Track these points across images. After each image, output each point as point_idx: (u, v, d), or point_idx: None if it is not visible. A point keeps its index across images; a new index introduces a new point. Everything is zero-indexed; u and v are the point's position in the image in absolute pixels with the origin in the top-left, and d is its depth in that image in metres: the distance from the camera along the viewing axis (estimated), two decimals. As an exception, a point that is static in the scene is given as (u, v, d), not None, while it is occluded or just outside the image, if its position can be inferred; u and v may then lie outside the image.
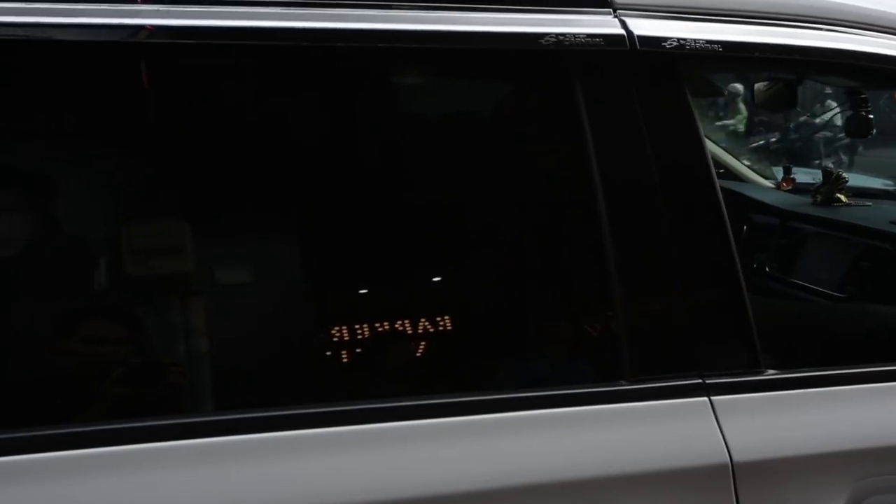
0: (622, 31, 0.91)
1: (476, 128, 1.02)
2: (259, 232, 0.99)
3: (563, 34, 0.89)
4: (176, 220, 0.98)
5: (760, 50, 0.97)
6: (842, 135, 4.57)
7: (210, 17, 0.77)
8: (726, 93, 5.26)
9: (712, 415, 0.89)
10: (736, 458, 0.88)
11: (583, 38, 0.89)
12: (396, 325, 0.93)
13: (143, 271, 0.93)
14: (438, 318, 0.93)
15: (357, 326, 0.91)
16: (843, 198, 2.12)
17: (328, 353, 0.95)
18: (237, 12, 0.79)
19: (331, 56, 0.89)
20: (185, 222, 0.96)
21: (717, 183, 0.95)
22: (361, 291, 0.99)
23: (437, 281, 1.00)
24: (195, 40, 0.77)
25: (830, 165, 1.85)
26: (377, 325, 0.92)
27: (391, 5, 0.86)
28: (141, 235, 0.96)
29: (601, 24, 0.91)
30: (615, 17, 0.92)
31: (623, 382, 0.89)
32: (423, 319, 0.93)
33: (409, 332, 0.93)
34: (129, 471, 0.73)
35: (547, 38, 0.88)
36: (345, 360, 0.92)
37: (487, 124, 1.01)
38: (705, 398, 0.89)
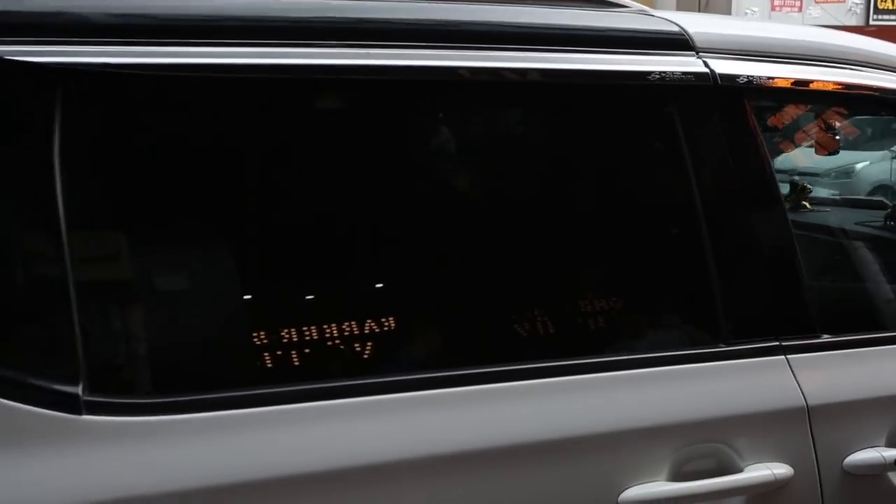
0: (707, 70, 1.12)
1: (599, 145, 1.21)
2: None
3: (664, 72, 1.09)
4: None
5: (804, 84, 1.20)
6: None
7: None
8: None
9: (789, 369, 1.09)
10: (810, 402, 1.08)
11: (679, 74, 1.10)
12: (556, 302, 1.12)
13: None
14: (607, 299, 1.13)
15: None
16: (807, 205, 2.40)
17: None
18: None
19: (501, 90, 1.09)
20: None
21: (779, 188, 1.17)
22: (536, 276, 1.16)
23: (591, 271, 1.18)
24: None
25: (797, 178, 2.12)
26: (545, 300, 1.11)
27: (534, 48, 1.04)
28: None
29: (690, 64, 1.12)
30: (698, 57, 1.13)
31: (722, 345, 1.08)
32: (579, 300, 1.13)
33: (574, 309, 1.12)
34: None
35: (653, 74, 1.09)
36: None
37: (608, 143, 1.21)
38: (783, 356, 1.09)
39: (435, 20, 1.02)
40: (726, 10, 13.91)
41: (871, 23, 13.92)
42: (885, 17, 15.48)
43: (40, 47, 0.84)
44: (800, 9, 15.23)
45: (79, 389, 0.82)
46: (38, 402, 0.80)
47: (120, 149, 0.95)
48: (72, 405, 0.81)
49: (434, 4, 1.06)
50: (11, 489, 0.79)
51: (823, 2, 15.47)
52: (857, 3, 15.51)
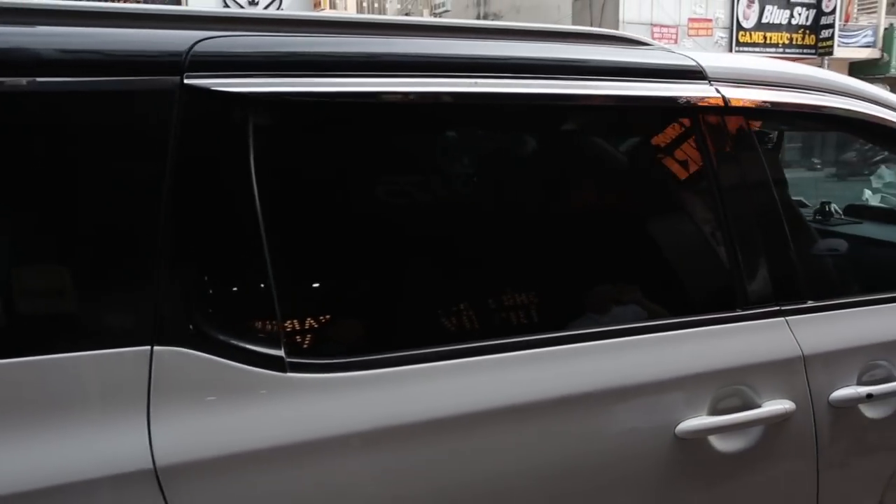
0: (719, 95, 1.39)
1: (648, 150, 1.47)
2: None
3: (690, 97, 1.36)
4: None
5: (791, 106, 1.49)
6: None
7: None
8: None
9: (788, 328, 1.37)
10: (805, 352, 1.36)
11: (699, 98, 1.37)
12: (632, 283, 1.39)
13: None
14: (665, 282, 1.40)
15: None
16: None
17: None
18: None
19: (580, 110, 1.33)
20: None
21: (774, 189, 1.45)
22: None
23: (653, 259, 1.45)
24: None
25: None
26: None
27: (599, 78, 1.29)
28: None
29: (706, 90, 1.39)
30: (711, 85, 1.40)
31: (739, 311, 1.36)
32: (649, 284, 1.38)
33: (645, 288, 1.38)
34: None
35: (682, 99, 1.35)
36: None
37: (653, 149, 1.47)
38: (783, 318, 1.38)
39: (539, 58, 1.27)
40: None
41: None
42: (746, 48, 17.81)
43: (237, 80, 1.03)
44: (675, 40, 16.94)
45: (282, 353, 1.01)
46: (256, 364, 0.99)
47: (301, 155, 1.14)
48: (279, 365, 1.00)
49: (535, 44, 1.30)
50: (238, 426, 0.97)
51: (695, 35, 17.34)
52: (721, 37, 17.61)
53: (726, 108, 1.39)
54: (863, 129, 1.68)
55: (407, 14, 18.75)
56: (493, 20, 22.66)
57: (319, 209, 1.19)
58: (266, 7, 16.55)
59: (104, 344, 0.93)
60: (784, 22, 20.87)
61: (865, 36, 23.07)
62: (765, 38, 20.24)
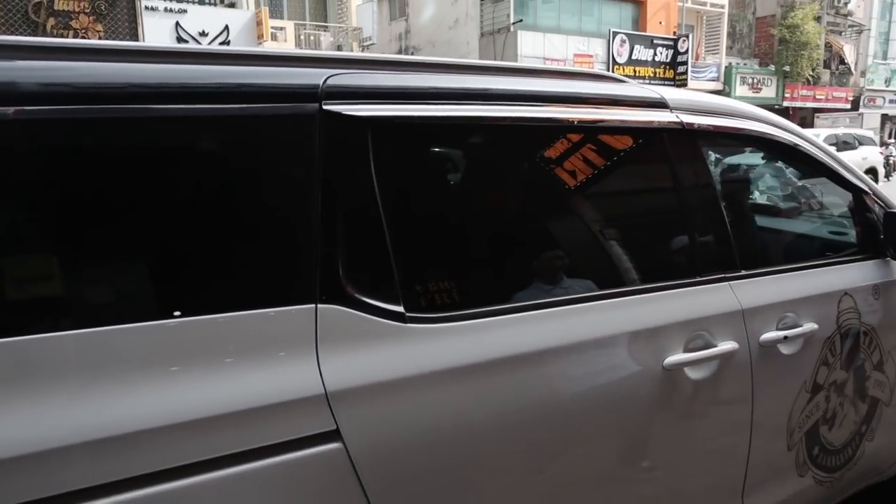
0: (679, 120, 1.73)
1: (631, 162, 1.78)
2: None
3: (660, 121, 1.69)
4: None
5: (726, 128, 1.85)
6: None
7: None
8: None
9: (731, 290, 1.72)
10: (743, 307, 1.71)
11: (669, 122, 1.70)
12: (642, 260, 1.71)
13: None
14: (655, 260, 1.75)
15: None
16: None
17: None
18: None
19: (580, 131, 1.63)
20: None
21: (718, 191, 1.80)
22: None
23: (647, 247, 1.77)
24: None
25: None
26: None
27: (593, 106, 1.60)
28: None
29: (670, 116, 1.73)
30: (672, 112, 1.74)
31: (698, 277, 1.69)
32: (645, 262, 1.72)
33: (641, 264, 1.70)
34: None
35: (656, 122, 1.68)
36: None
37: (635, 161, 1.78)
38: (727, 283, 1.73)
39: (568, 91, 1.58)
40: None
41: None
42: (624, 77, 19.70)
43: (359, 106, 1.25)
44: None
45: (402, 309, 1.24)
46: (385, 316, 1.23)
47: (406, 166, 1.38)
48: (400, 318, 1.24)
49: (560, 81, 1.59)
50: (371, 364, 1.21)
51: (581, 65, 18.88)
52: (601, 70, 19.23)
53: (683, 130, 1.75)
54: (767, 145, 2.07)
55: (339, 47, 18.70)
56: (413, 52, 23.11)
57: (424, 203, 1.43)
58: (212, 40, 16.28)
59: (289, 302, 1.14)
60: (649, 59, 22.60)
61: (711, 72, 25.23)
62: (635, 71, 21.84)
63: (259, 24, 17.03)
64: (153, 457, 0.99)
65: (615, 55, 21.75)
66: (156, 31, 15.78)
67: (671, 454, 1.63)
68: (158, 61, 1.16)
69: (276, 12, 18.79)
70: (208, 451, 1.03)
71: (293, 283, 1.18)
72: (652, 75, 22.51)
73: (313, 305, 1.17)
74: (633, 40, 22.31)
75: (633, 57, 22.26)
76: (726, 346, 1.66)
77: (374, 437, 1.18)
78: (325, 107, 1.23)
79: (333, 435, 1.13)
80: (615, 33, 21.85)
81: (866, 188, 2.25)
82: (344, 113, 1.24)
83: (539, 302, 1.44)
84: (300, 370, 1.14)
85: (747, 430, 1.75)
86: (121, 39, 15.14)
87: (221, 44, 16.55)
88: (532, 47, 20.16)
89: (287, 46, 17.62)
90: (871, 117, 32.20)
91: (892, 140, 30.68)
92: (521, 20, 20.24)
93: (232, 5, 17.48)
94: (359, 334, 1.21)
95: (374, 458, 1.17)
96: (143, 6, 15.78)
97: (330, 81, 1.26)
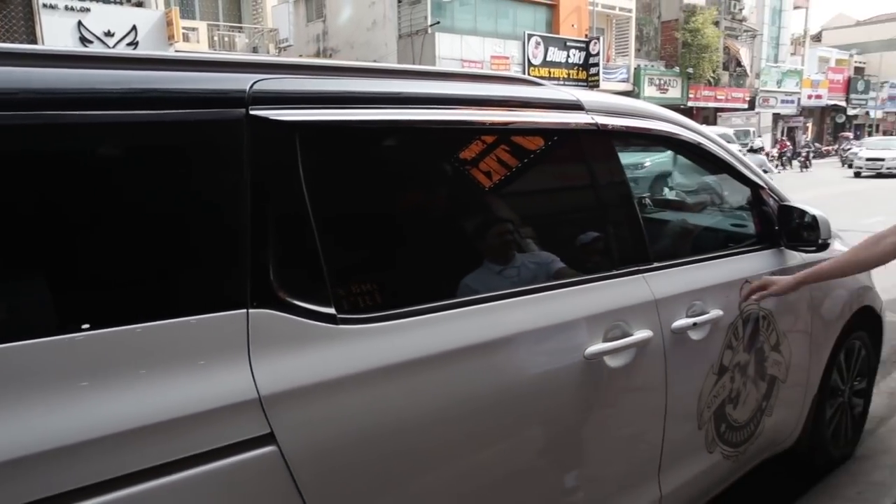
0: (594, 121, 1.82)
1: (548, 161, 1.85)
2: None
3: (578, 122, 1.78)
4: None
5: (636, 129, 1.96)
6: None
7: None
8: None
9: (645, 283, 1.83)
10: (656, 297, 1.82)
11: (584, 124, 1.79)
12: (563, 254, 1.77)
13: None
14: (578, 254, 1.81)
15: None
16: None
17: None
18: None
19: (495, 132, 1.68)
20: None
21: (631, 188, 1.90)
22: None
23: (566, 240, 1.83)
24: None
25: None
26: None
27: (512, 109, 1.66)
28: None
29: (586, 118, 1.82)
30: (588, 114, 1.83)
31: (615, 271, 1.78)
32: (569, 257, 1.76)
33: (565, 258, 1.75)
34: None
35: (573, 124, 1.76)
36: None
37: (552, 160, 1.85)
38: (641, 276, 1.84)
39: (484, 95, 1.61)
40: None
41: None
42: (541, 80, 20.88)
43: (286, 111, 1.26)
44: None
45: (333, 311, 1.25)
46: (316, 319, 1.25)
47: (334, 170, 1.38)
48: (332, 319, 1.25)
49: (478, 84, 1.63)
50: (303, 366, 1.22)
51: (496, 69, 19.39)
52: (517, 71, 20.38)
53: (598, 130, 1.84)
54: (674, 144, 2.20)
55: (255, 48, 18.18)
56: (331, 54, 22.80)
57: (353, 206, 1.44)
58: (119, 41, 15.49)
59: (220, 309, 1.14)
60: (563, 60, 23.28)
61: (622, 73, 26.25)
62: (549, 72, 22.46)
63: (169, 24, 16.41)
64: (68, 475, 0.95)
65: (530, 57, 22.30)
66: (56, 31, 14.92)
67: (594, 439, 1.71)
68: (82, 66, 1.12)
69: (187, 12, 18.15)
70: (132, 464, 1.00)
71: (223, 289, 1.17)
72: (566, 76, 23.20)
73: (245, 311, 1.16)
74: (548, 42, 22.92)
75: (548, 59, 22.90)
76: (641, 334, 1.76)
77: (308, 439, 1.18)
78: (252, 112, 1.22)
79: (268, 438, 1.13)
80: (530, 35, 22.40)
81: (762, 183, 2.42)
82: (271, 118, 1.24)
83: (467, 299, 1.47)
84: (232, 376, 1.13)
85: (662, 412, 1.85)
86: (16, 39, 14.23)
87: (129, 44, 15.85)
88: (450, 49, 20.41)
89: (200, 48, 17.06)
90: (766, 116, 34.41)
91: (785, 138, 32.89)
92: (438, 22, 20.41)
93: (140, 4, 16.77)
94: (291, 338, 1.21)
95: (308, 459, 1.17)
96: (40, 3, 14.89)
97: (257, 86, 1.25)
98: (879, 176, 22.63)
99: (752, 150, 20.61)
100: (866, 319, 2.85)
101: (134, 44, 16.01)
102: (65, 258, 1.05)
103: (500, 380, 1.47)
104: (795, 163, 27.48)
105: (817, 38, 48.65)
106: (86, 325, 1.02)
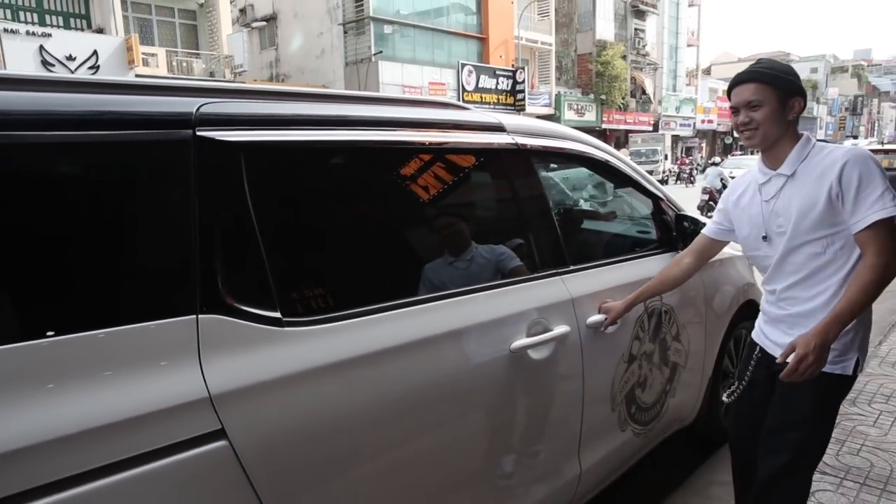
0: (515, 141, 1.84)
1: (466, 177, 1.85)
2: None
3: (500, 142, 1.79)
4: None
5: (553, 148, 1.99)
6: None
7: None
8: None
9: (563, 284, 1.85)
10: (573, 296, 1.85)
11: (506, 144, 1.80)
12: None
13: None
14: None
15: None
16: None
17: None
18: None
19: (420, 152, 1.67)
20: None
21: (548, 200, 1.92)
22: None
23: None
24: None
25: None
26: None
27: (436, 130, 1.65)
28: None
29: (507, 138, 1.83)
30: (509, 135, 1.85)
31: (537, 273, 1.80)
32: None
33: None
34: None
35: (496, 144, 1.78)
36: None
37: (470, 176, 1.85)
38: (559, 277, 1.86)
39: (414, 118, 1.60)
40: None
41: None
42: (469, 105, 21.38)
43: (231, 132, 1.22)
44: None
45: (279, 314, 1.22)
46: (263, 322, 1.21)
47: (277, 185, 1.34)
48: (277, 322, 1.22)
49: (410, 108, 1.62)
50: (251, 366, 1.18)
51: (434, 94, 19.69)
52: (452, 97, 20.31)
53: (518, 150, 1.86)
54: (586, 161, 2.25)
55: (211, 73, 17.64)
56: (283, 79, 22.37)
57: (296, 218, 1.40)
58: (81, 65, 14.73)
59: (171, 315, 1.10)
60: (493, 87, 23.62)
61: (544, 99, 26.81)
62: (481, 97, 22.73)
63: (130, 49, 15.76)
64: (31, 473, 0.91)
65: (464, 84, 22.53)
66: (18, 55, 14.12)
67: (521, 424, 1.72)
68: (39, 89, 1.08)
69: (146, 39, 17.51)
70: (91, 461, 0.96)
71: (174, 297, 1.12)
72: (496, 101, 23.54)
73: (194, 316, 1.12)
74: (479, 71, 23.22)
75: (480, 85, 23.20)
76: (560, 329, 1.78)
77: (257, 434, 1.15)
78: (198, 133, 1.19)
79: (219, 434, 1.09)
80: (463, 65, 22.65)
81: (662, 195, 2.51)
82: (216, 138, 1.21)
83: (401, 301, 1.46)
84: (184, 377, 1.09)
85: (580, 397, 1.88)
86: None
87: (91, 68, 15.14)
88: (392, 76, 20.40)
89: (160, 72, 16.46)
90: (668, 138, 35.86)
91: (684, 156, 34.25)
92: (381, 52, 20.38)
93: (100, 31, 16.04)
94: (239, 340, 1.17)
95: (258, 452, 1.15)
96: (1, 28, 14.06)
97: (203, 109, 1.22)
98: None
99: (714, 164, 21.11)
100: (750, 311, 2.99)
101: (95, 67, 15.30)
102: (33, 270, 1.00)
103: (435, 374, 1.46)
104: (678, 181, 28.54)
105: (707, 71, 51.11)
106: (51, 333, 0.98)
